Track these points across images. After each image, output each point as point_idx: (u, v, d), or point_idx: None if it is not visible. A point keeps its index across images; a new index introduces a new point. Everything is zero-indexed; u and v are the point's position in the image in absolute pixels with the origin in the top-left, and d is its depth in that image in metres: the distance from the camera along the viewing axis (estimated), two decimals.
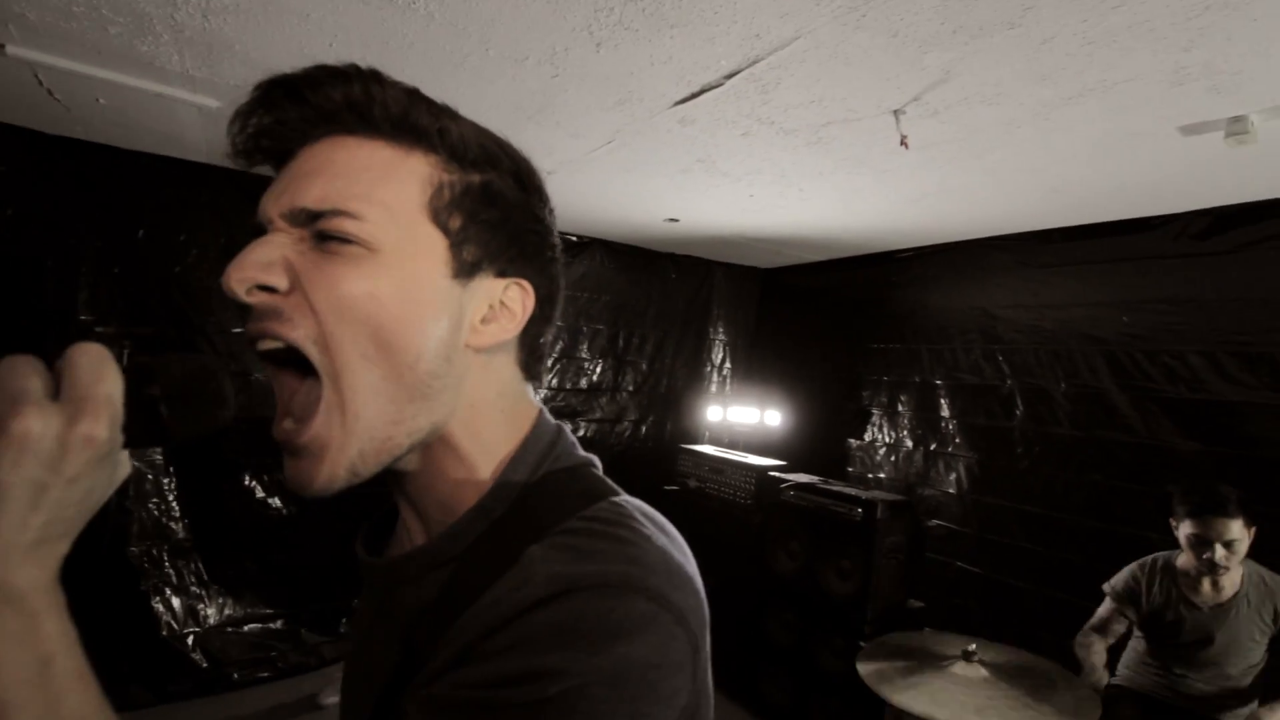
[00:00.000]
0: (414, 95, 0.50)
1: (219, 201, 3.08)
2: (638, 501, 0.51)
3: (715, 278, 4.84)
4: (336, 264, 0.46)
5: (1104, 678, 2.17)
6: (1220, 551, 2.01)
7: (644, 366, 4.59)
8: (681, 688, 0.42)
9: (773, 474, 3.32)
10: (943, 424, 3.69)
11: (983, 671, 1.86)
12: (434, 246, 0.49)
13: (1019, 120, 2.00)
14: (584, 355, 4.31)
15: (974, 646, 1.91)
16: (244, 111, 0.49)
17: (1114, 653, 2.36)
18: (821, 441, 4.28)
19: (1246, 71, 1.62)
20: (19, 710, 0.33)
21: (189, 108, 2.36)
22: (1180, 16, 1.41)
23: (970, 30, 1.53)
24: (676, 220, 3.59)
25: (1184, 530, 2.11)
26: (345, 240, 0.46)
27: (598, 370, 4.38)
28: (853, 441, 4.12)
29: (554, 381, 4.19)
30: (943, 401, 3.71)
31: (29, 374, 0.36)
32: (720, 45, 1.68)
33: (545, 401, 4.04)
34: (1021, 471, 3.31)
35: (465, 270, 0.50)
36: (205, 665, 3.05)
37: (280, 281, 0.46)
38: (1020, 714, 1.70)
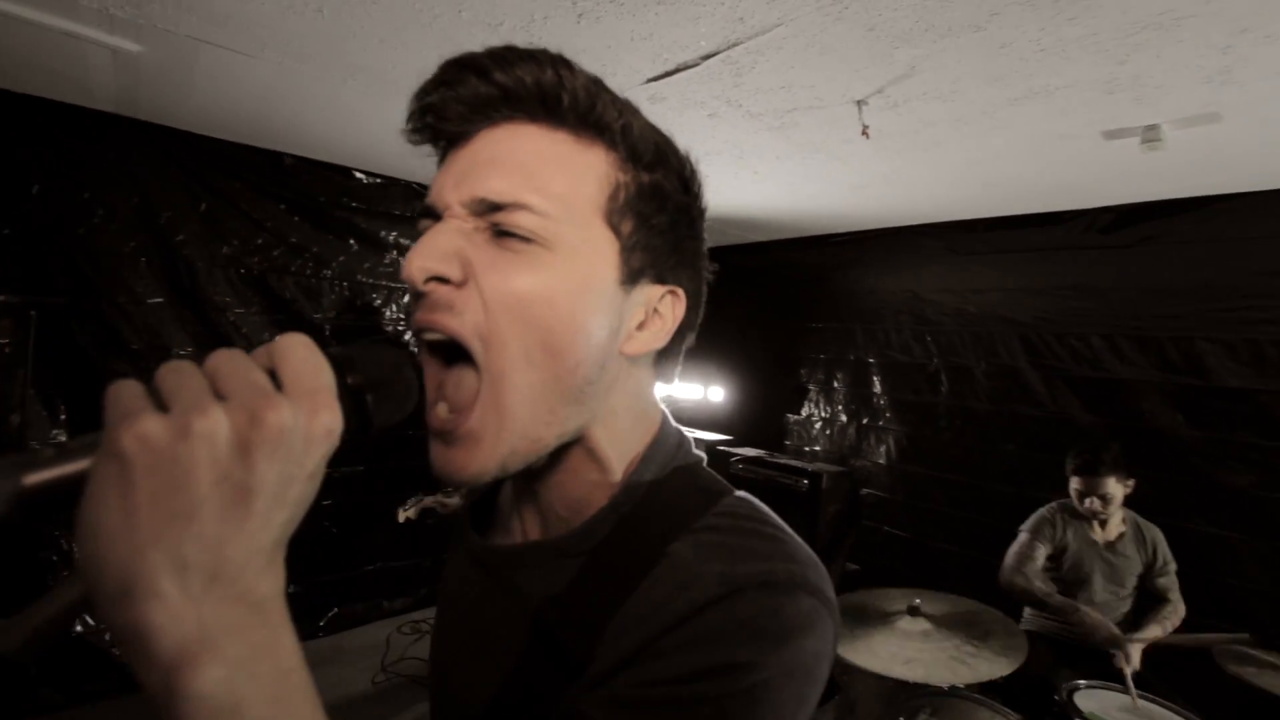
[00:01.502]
0: (599, 86, 0.49)
1: (130, 158, 2.78)
2: (747, 494, 0.54)
3: None
4: (513, 261, 0.46)
5: (1054, 590, 2.44)
6: (1097, 503, 2.40)
7: None
8: (829, 670, 0.46)
9: (721, 448, 3.44)
10: (875, 399, 3.94)
11: (925, 624, 2.05)
12: (606, 249, 0.49)
13: (968, 118, 2.14)
14: None
15: (919, 601, 2.10)
16: (426, 88, 0.47)
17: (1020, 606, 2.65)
18: (762, 416, 4.45)
19: (1166, 85, 1.81)
20: None
21: (102, 50, 2.11)
22: (1122, 32, 1.55)
23: (940, 29, 1.62)
24: None
25: (1071, 485, 2.49)
26: (524, 238, 0.46)
27: None
28: (791, 416, 4.32)
29: None
30: (875, 378, 3.95)
31: (255, 366, 0.33)
32: (704, 25, 1.68)
33: None
34: (944, 443, 3.59)
35: (631, 276, 0.50)
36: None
37: (455, 273, 0.45)
38: (958, 663, 1.89)
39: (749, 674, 0.41)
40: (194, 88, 2.38)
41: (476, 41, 0.51)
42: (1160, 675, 2.25)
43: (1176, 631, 2.38)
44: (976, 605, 2.22)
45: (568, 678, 0.46)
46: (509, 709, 0.50)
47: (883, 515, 3.78)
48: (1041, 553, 2.50)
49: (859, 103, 2.07)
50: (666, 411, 0.59)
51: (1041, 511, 2.61)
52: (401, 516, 2.40)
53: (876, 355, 3.95)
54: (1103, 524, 2.49)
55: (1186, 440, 2.81)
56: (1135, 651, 2.18)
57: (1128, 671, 2.08)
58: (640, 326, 0.52)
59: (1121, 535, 2.49)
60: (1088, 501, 2.43)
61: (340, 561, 3.49)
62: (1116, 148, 2.25)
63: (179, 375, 0.32)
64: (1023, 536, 2.58)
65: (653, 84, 2.06)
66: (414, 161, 3.49)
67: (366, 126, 2.69)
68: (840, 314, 4.17)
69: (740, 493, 0.53)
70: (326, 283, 3.39)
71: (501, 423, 0.46)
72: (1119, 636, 2.19)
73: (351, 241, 3.45)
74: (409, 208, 3.60)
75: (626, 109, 0.50)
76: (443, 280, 0.45)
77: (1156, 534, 2.50)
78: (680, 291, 0.54)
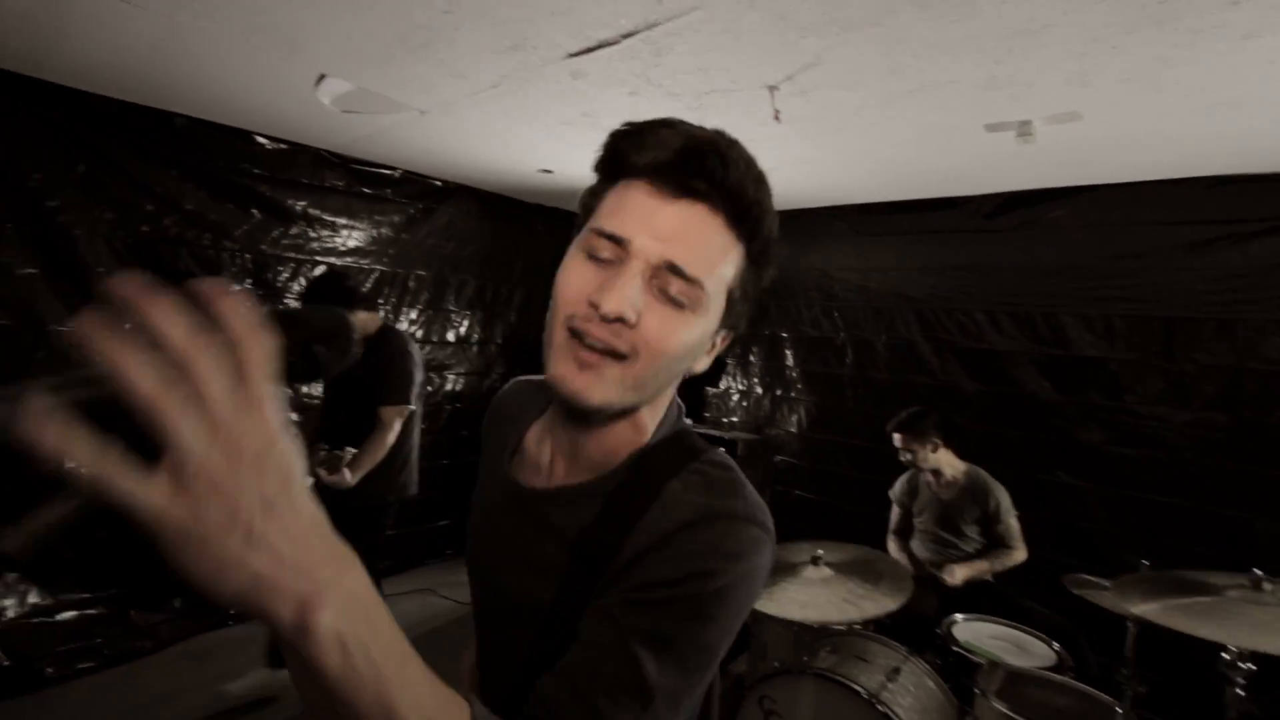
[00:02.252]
0: (761, 186, 0.64)
1: None
2: (723, 451, 0.72)
3: None
4: (673, 319, 0.62)
5: (909, 566, 2.72)
6: (909, 457, 2.76)
7: (513, 319, 4.57)
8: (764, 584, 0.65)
9: None
10: (787, 372, 4.17)
11: (826, 571, 2.26)
12: (720, 311, 0.66)
13: (868, 106, 2.29)
14: (451, 307, 4.18)
15: (820, 551, 2.30)
16: (674, 146, 0.61)
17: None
18: (682, 389, 4.56)
19: (1035, 85, 2.02)
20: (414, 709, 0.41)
21: None
22: (1000, 36, 1.73)
23: (843, 23, 1.73)
24: (550, 172, 3.57)
25: (927, 467, 2.79)
26: (688, 308, 0.62)
27: (466, 323, 4.28)
28: (710, 389, 4.49)
29: (420, 333, 4.02)
30: (788, 352, 4.17)
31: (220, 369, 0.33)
32: (623, 4, 1.72)
33: None
34: (849, 411, 3.87)
35: (722, 326, 0.68)
36: (7, 664, 2.63)
37: (634, 319, 0.60)
38: (850, 604, 2.10)
39: (717, 579, 0.57)
40: (68, 37, 2.17)
41: (391, 5, 0.55)
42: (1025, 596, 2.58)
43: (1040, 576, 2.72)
44: (871, 552, 2.45)
45: (597, 583, 0.61)
46: (559, 606, 0.64)
47: (794, 480, 4.04)
48: (899, 513, 2.82)
49: (771, 88, 2.18)
50: (674, 401, 0.74)
51: (902, 477, 2.95)
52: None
53: (789, 330, 4.17)
54: (936, 476, 2.80)
55: (1051, 403, 3.17)
56: (957, 573, 2.58)
57: (952, 583, 2.52)
58: (708, 353, 0.70)
59: (953, 487, 2.78)
60: (903, 456, 2.79)
61: None
62: (996, 140, 2.48)
63: (200, 384, 0.32)
64: (894, 507, 2.94)
65: (574, 59, 2.08)
66: (320, 125, 3.29)
67: (270, 88, 2.55)
68: None
69: (719, 450, 0.71)
70: (228, 254, 3.18)
71: (624, 386, 0.62)
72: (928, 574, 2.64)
73: (254, 211, 3.25)
74: (318, 176, 3.43)
75: (767, 214, 0.65)
76: (624, 321, 0.59)
77: (997, 491, 2.74)
78: (731, 334, 0.71)
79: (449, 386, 4.22)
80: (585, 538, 0.64)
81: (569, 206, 4.59)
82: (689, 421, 0.77)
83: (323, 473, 2.37)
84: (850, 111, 2.35)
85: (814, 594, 2.16)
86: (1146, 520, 2.91)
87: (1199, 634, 1.54)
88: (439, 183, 3.96)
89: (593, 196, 0.68)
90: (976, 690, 1.90)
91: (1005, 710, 1.79)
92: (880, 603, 2.07)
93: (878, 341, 3.77)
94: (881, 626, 2.59)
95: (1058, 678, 2.03)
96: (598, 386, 0.61)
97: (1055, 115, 2.21)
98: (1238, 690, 1.68)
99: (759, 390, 4.29)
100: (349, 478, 2.40)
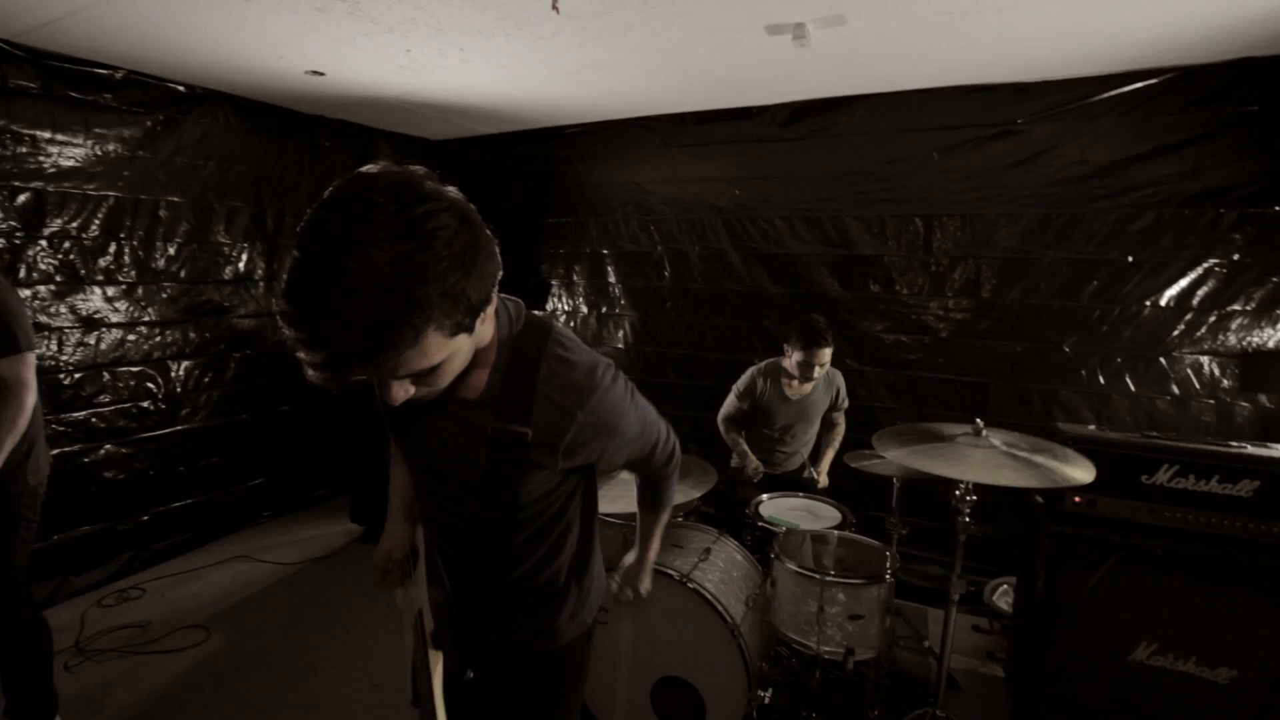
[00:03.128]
0: (367, 309, 0.67)
1: None
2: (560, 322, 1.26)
3: (379, 149, 4.38)
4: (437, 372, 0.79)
5: (749, 451, 2.91)
6: (819, 370, 2.78)
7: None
8: None
9: None
10: (610, 289, 4.19)
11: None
12: (456, 333, 0.76)
13: (653, 1, 2.21)
14: (222, 239, 3.59)
15: None
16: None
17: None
18: None
19: None
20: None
21: None
22: None
23: None
24: (322, 74, 3.10)
25: (795, 357, 2.79)
26: (434, 374, 0.79)
27: (244, 257, 3.72)
28: (536, 312, 4.39)
29: (184, 272, 3.43)
30: (610, 269, 4.18)
31: None
32: None
33: (174, 298, 3.33)
34: (670, 322, 4.01)
35: (469, 325, 0.78)
36: None
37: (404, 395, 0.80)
38: None
39: (630, 425, 1.01)
40: None
41: None
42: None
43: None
44: (684, 457, 2.60)
45: (523, 451, 0.93)
46: (487, 478, 0.96)
47: None
48: (743, 410, 2.98)
49: None
50: (497, 297, 0.87)
51: (750, 373, 3.01)
52: None
53: (609, 246, 4.16)
54: (805, 378, 2.88)
55: (840, 299, 3.51)
56: (824, 475, 2.83)
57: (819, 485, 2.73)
58: (483, 322, 0.81)
59: (818, 384, 2.97)
60: (814, 370, 2.75)
61: None
62: (778, 44, 2.55)
63: None
64: (731, 397, 3.02)
65: None
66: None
67: None
68: (575, 208, 4.26)
69: (558, 324, 1.01)
70: None
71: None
72: (759, 469, 2.83)
73: None
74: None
75: (393, 301, 0.66)
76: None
77: (839, 378, 3.07)
78: (490, 297, 0.80)
79: (235, 331, 3.70)
80: (495, 432, 0.92)
81: (359, 119, 4.09)
82: (519, 301, 1.01)
83: None
84: (636, 6, 2.26)
85: (625, 490, 2.27)
86: (917, 393, 3.39)
87: (936, 472, 1.83)
88: (181, 87, 3.28)
89: None
90: (772, 555, 2.13)
91: (793, 567, 2.03)
92: (688, 494, 2.22)
93: (692, 253, 3.89)
94: (706, 517, 2.81)
95: (839, 533, 2.34)
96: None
97: (824, 18, 2.29)
98: (965, 518, 2.04)
99: (584, 309, 4.28)
100: None
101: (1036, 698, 2.23)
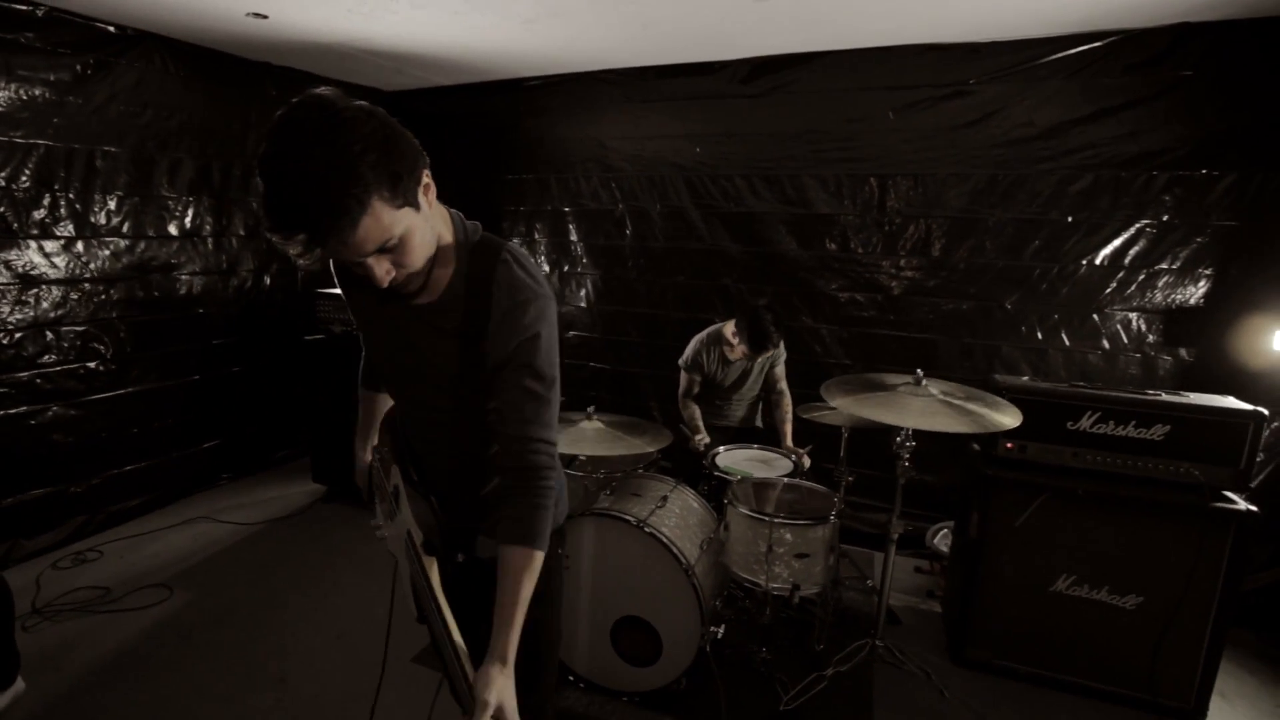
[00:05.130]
0: (317, 171, 0.81)
1: None
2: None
3: None
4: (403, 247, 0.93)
5: (702, 427, 2.99)
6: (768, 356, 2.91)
7: (255, 205, 3.92)
8: None
9: None
10: (572, 247, 4.18)
11: (600, 424, 2.46)
12: (402, 206, 0.89)
13: None
14: (166, 192, 3.45)
15: (591, 408, 2.49)
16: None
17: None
18: None
19: None
20: None
21: None
22: None
23: None
24: (264, 16, 2.96)
25: (741, 349, 2.83)
26: (396, 245, 0.91)
27: (190, 212, 3.58)
28: None
29: (126, 227, 3.29)
30: (571, 227, 4.16)
31: None
32: None
33: (117, 254, 3.21)
34: (632, 281, 4.03)
35: (412, 198, 0.92)
36: None
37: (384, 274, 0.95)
38: (618, 444, 2.34)
39: (548, 325, 1.06)
40: None
41: None
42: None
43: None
44: (640, 420, 2.67)
45: (481, 348, 1.03)
46: (461, 372, 1.06)
47: (587, 353, 4.19)
48: (697, 382, 3.05)
49: None
50: (455, 215, 1.08)
51: (693, 346, 3.04)
52: None
53: (571, 204, 4.13)
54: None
55: (797, 258, 3.59)
56: (804, 456, 2.77)
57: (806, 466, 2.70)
58: (425, 195, 0.96)
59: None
60: (760, 359, 2.91)
61: None
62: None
63: None
64: (682, 374, 3.07)
65: None
66: None
67: None
68: (535, 164, 4.20)
69: (512, 241, 1.21)
70: None
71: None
72: (704, 441, 2.87)
73: None
74: None
75: (339, 168, 0.81)
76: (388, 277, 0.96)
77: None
78: (418, 174, 0.93)
79: (182, 290, 3.59)
80: (464, 327, 1.03)
81: (308, 67, 3.92)
82: (477, 224, 1.11)
83: None
84: None
85: (589, 445, 2.35)
86: (869, 349, 3.51)
87: (878, 419, 1.94)
88: (111, 28, 3.09)
89: None
90: (726, 501, 2.24)
91: (744, 510, 2.14)
92: (641, 446, 2.32)
93: (653, 211, 3.90)
94: (664, 470, 2.90)
95: (789, 480, 2.46)
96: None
97: None
98: (905, 462, 2.17)
99: (546, 268, 4.27)
100: None
101: (968, 627, 2.43)
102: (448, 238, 1.04)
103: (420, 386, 1.14)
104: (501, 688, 0.89)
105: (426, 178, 0.95)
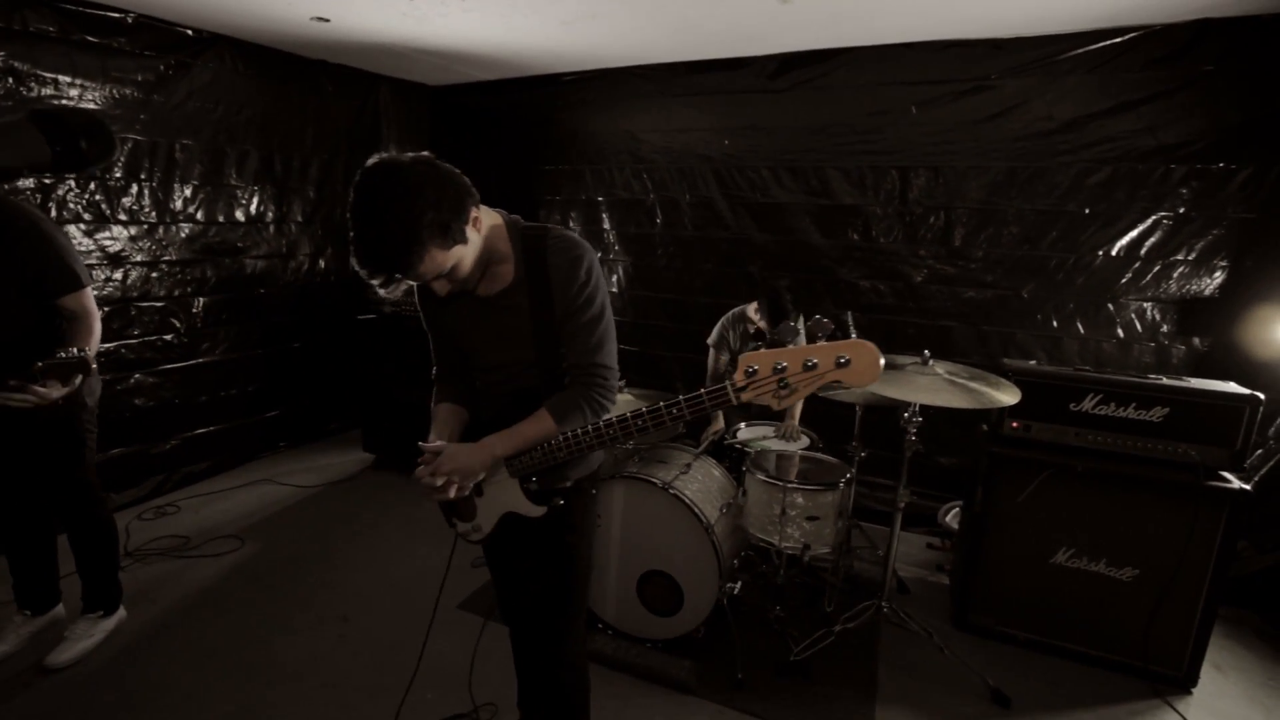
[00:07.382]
0: (395, 231, 1.08)
1: None
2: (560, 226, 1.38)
3: (381, 94, 4.49)
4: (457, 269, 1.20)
5: (720, 417, 3.18)
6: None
7: (312, 194, 4.22)
8: None
9: None
10: (605, 235, 4.38)
11: (629, 397, 2.68)
12: (451, 246, 1.14)
13: None
14: (235, 181, 3.76)
15: (624, 381, 2.70)
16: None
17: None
18: None
19: None
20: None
21: None
22: None
23: None
24: (327, 20, 3.21)
25: (762, 324, 2.99)
26: (450, 272, 1.19)
27: (255, 199, 3.89)
28: None
29: (200, 214, 3.61)
30: (604, 216, 4.36)
31: None
32: None
33: (192, 238, 3.51)
34: (661, 268, 4.22)
35: (460, 237, 1.15)
36: None
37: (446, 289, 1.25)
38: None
39: (598, 275, 1.30)
40: None
41: None
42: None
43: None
44: (663, 394, 2.86)
45: (550, 306, 1.26)
46: (537, 338, 1.29)
47: (617, 335, 4.38)
48: (724, 361, 3.23)
49: None
50: (501, 215, 1.31)
51: (720, 326, 3.22)
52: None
53: (604, 194, 4.33)
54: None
55: (821, 247, 3.73)
56: (800, 435, 2.99)
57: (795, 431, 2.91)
58: (474, 227, 1.19)
59: None
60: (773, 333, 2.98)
61: None
62: (765, 1, 2.68)
63: None
64: (711, 353, 3.26)
65: None
66: None
67: None
68: (570, 156, 4.41)
69: (557, 227, 1.32)
70: None
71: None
72: (720, 432, 3.02)
73: None
74: (15, 18, 2.78)
75: (410, 227, 1.08)
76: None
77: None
78: (472, 218, 1.18)
79: (248, 270, 3.91)
80: (532, 292, 1.27)
81: (361, 64, 4.18)
82: (514, 217, 1.33)
83: (48, 387, 1.82)
84: None
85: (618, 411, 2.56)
86: (887, 335, 3.65)
87: (887, 394, 2.11)
88: (189, 31, 3.39)
89: None
90: (745, 470, 2.43)
91: (761, 476, 2.33)
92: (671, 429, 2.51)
93: (682, 200, 4.08)
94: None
95: (805, 452, 2.64)
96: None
97: None
98: (912, 436, 2.33)
99: None
100: (75, 383, 1.88)
101: (971, 595, 2.59)
102: (503, 243, 1.27)
103: (503, 347, 1.35)
104: (461, 453, 1.32)
105: (475, 212, 1.17)
